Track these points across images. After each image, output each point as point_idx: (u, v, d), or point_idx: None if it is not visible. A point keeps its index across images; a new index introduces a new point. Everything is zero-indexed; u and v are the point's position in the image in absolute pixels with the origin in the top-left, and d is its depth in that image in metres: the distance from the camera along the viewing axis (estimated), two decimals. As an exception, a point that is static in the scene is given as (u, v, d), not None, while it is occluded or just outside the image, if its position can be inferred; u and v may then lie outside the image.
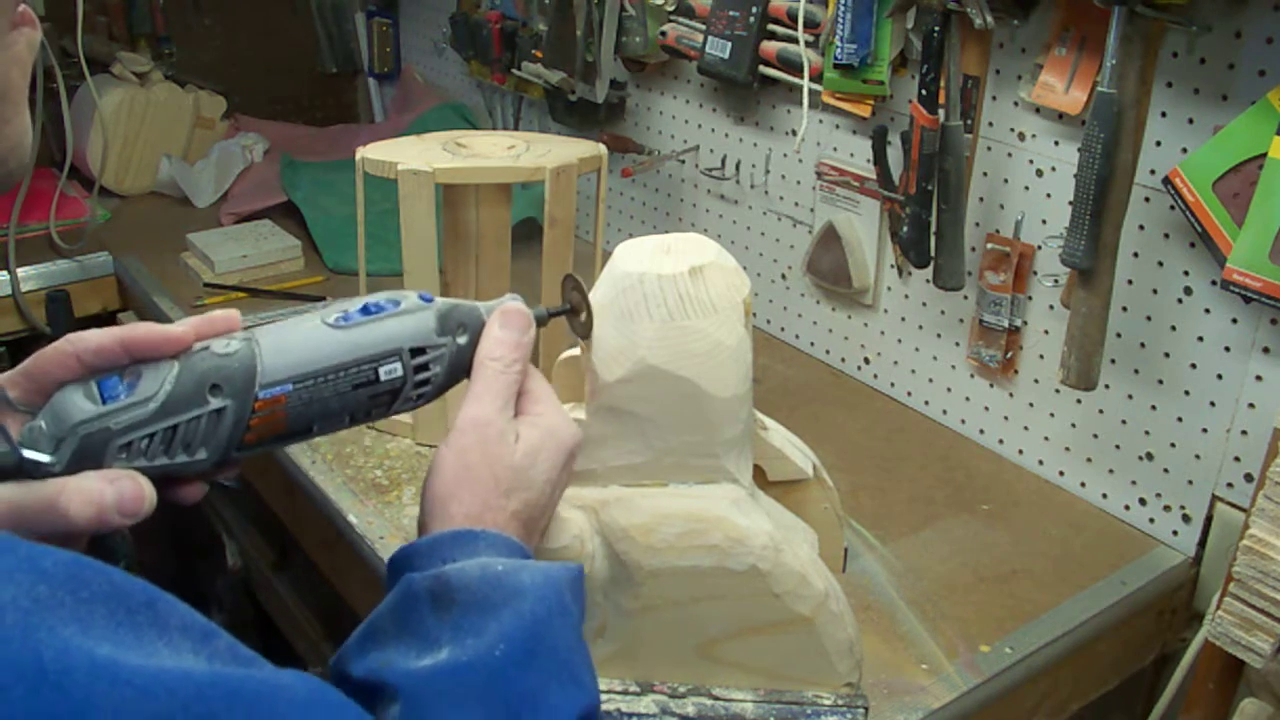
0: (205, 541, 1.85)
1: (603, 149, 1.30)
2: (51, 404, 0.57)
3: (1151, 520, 1.21)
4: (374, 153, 1.22)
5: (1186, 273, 1.12)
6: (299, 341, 0.63)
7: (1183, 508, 1.18)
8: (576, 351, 0.84)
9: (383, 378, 0.65)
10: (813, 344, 1.59)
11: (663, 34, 1.58)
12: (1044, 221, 1.24)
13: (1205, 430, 1.14)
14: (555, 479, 0.69)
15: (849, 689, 0.90)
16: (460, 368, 0.69)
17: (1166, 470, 1.18)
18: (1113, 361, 1.19)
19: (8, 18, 0.51)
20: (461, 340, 0.68)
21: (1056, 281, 1.22)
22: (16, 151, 0.53)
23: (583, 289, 0.78)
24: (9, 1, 0.51)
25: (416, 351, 0.66)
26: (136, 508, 0.55)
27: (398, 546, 0.68)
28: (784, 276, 1.60)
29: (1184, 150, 1.09)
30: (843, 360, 1.55)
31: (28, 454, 0.55)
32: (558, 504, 0.73)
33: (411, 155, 1.21)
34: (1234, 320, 1.09)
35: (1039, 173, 1.23)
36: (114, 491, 0.54)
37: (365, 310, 0.65)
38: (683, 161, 1.70)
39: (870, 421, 1.43)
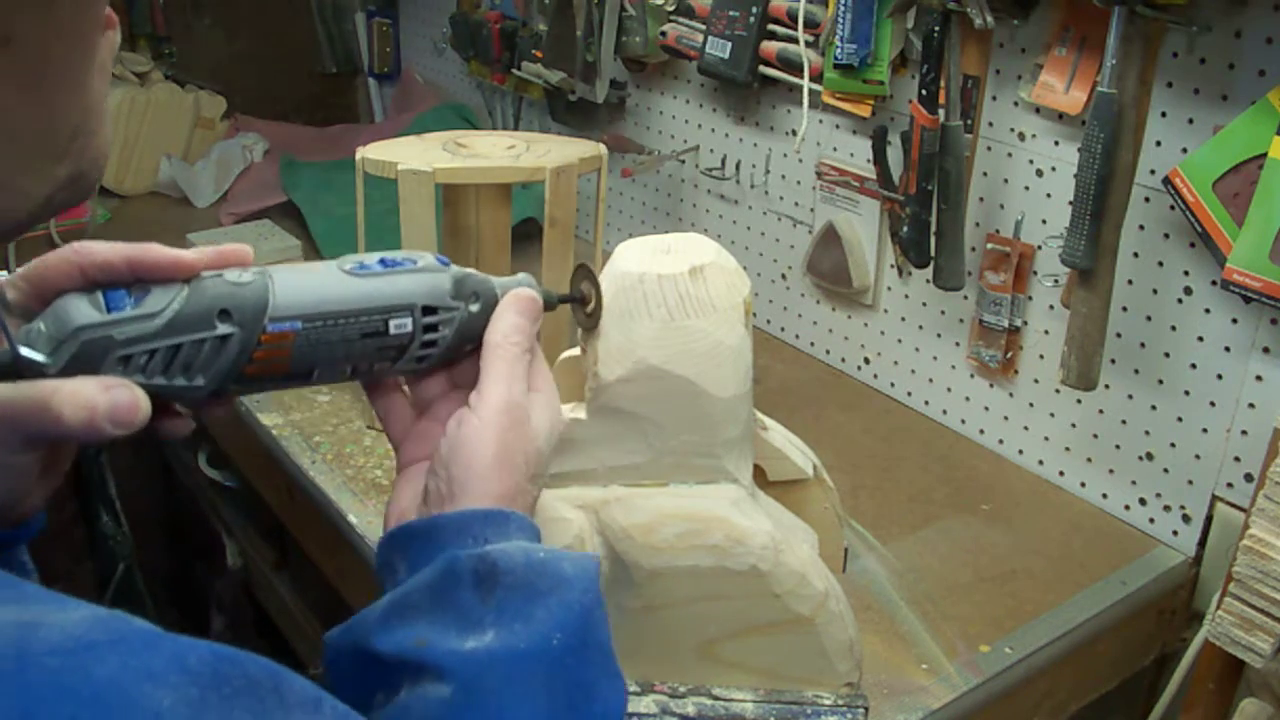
0: (205, 541, 1.85)
1: (603, 149, 1.30)
2: (53, 308, 0.55)
3: (1151, 520, 1.21)
4: (374, 153, 1.22)
5: (1186, 273, 1.12)
6: (313, 282, 0.62)
7: (1183, 508, 1.18)
8: (577, 351, 0.84)
9: (392, 330, 0.64)
10: (813, 344, 1.59)
11: (663, 34, 1.58)
12: (1044, 221, 1.24)
13: (1205, 430, 1.14)
14: (550, 461, 0.70)
15: (849, 689, 0.90)
16: (468, 337, 0.68)
17: (1166, 470, 1.18)
18: (1113, 361, 1.19)
19: (98, 21, 0.49)
20: (474, 308, 0.67)
21: (1056, 281, 1.22)
22: (99, 163, 0.51)
23: (595, 280, 0.77)
24: (99, 1, 0.48)
25: (429, 310, 0.65)
26: (130, 418, 0.52)
27: (404, 513, 0.66)
28: (784, 276, 1.60)
29: (1184, 150, 1.09)
30: (843, 360, 1.55)
31: (24, 351, 0.53)
32: None
33: (411, 155, 1.21)
34: (1234, 320, 1.09)
35: (1039, 173, 1.23)
36: (108, 399, 0.52)
37: (383, 263, 0.65)
38: (683, 161, 1.70)
39: (870, 421, 1.43)
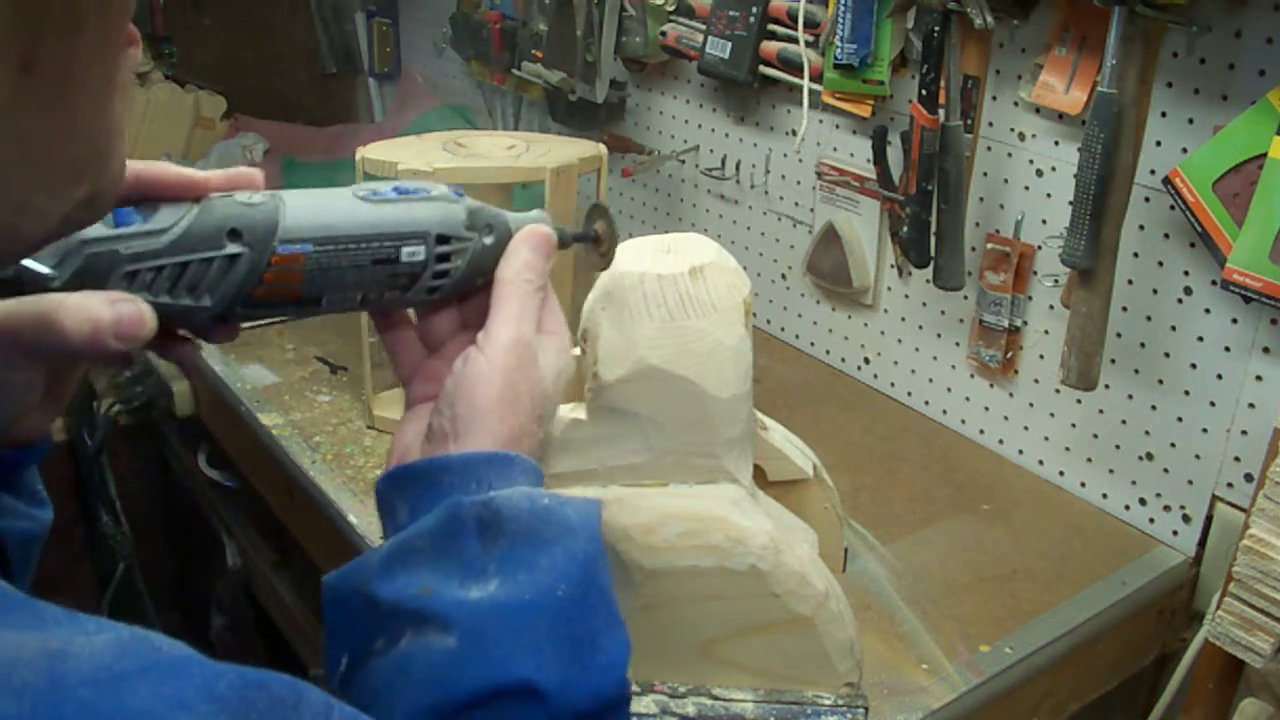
0: (205, 541, 1.84)
1: (603, 149, 1.30)
2: None
3: (1151, 520, 1.21)
4: (374, 153, 1.22)
5: (1186, 273, 1.12)
6: (325, 206, 0.61)
7: (1183, 508, 1.18)
8: (576, 351, 0.84)
9: (404, 258, 0.63)
10: (813, 344, 1.59)
11: (663, 34, 1.58)
12: (1044, 221, 1.24)
13: (1205, 430, 1.14)
14: (559, 403, 0.69)
15: (849, 689, 0.90)
16: (480, 270, 0.67)
17: (1166, 470, 1.18)
18: (1113, 361, 1.19)
19: (121, 41, 0.48)
20: (488, 240, 0.66)
21: (1056, 281, 1.22)
22: (115, 182, 0.50)
23: (609, 219, 0.75)
24: (123, 22, 0.47)
25: (442, 239, 0.64)
26: (134, 332, 0.51)
27: (407, 450, 0.65)
28: (784, 276, 1.60)
29: (1184, 150, 1.08)
30: (843, 360, 1.55)
31: (27, 263, 0.52)
32: None
33: (411, 155, 1.21)
34: (1234, 320, 1.09)
35: (1039, 173, 1.23)
36: (113, 313, 0.51)
37: (397, 190, 0.64)
38: (683, 161, 1.70)
39: (870, 421, 1.43)
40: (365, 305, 0.64)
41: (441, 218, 0.64)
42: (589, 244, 0.76)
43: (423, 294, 0.65)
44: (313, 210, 0.60)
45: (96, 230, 0.54)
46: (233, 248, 0.57)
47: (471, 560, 0.57)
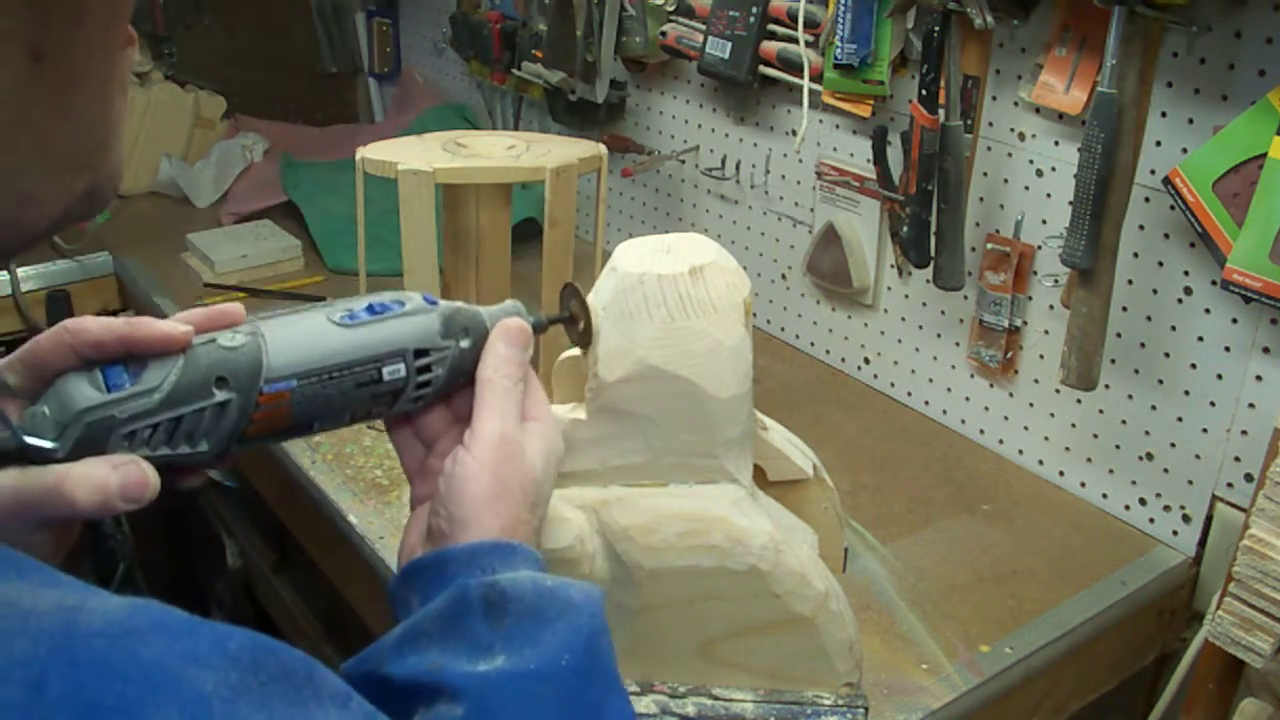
0: (205, 541, 1.85)
1: (603, 149, 1.30)
2: (55, 390, 0.57)
3: (1151, 520, 1.21)
4: (374, 153, 1.22)
5: (1186, 273, 1.12)
6: (305, 338, 0.63)
7: (1183, 508, 1.18)
8: (577, 351, 0.84)
9: (386, 378, 0.65)
10: (813, 344, 1.59)
11: (663, 34, 1.58)
12: (1044, 221, 1.24)
13: (1205, 430, 1.14)
14: (553, 487, 0.71)
15: (849, 689, 0.90)
16: (461, 371, 0.69)
17: (1166, 470, 1.18)
18: (1113, 361, 1.19)
19: (121, 39, 0.50)
20: (464, 344, 0.69)
21: (1056, 281, 1.22)
22: (115, 177, 0.52)
23: (583, 299, 0.78)
24: (124, 19, 0.49)
25: (420, 353, 0.66)
26: (140, 493, 0.55)
27: (413, 550, 0.68)
28: (784, 276, 1.60)
29: (1184, 150, 1.09)
30: (843, 360, 1.55)
31: (31, 440, 0.55)
32: None
33: (411, 155, 1.21)
34: (1234, 320, 1.09)
35: (1039, 173, 1.23)
36: (118, 477, 0.54)
37: (371, 310, 0.66)
38: (683, 161, 1.70)
39: (870, 421, 1.43)
40: (355, 421, 0.67)
41: (417, 332, 0.67)
42: (566, 324, 0.78)
43: (408, 404, 0.68)
44: (293, 344, 0.62)
45: (91, 397, 0.56)
46: (221, 395, 0.60)
47: (478, 639, 0.59)
